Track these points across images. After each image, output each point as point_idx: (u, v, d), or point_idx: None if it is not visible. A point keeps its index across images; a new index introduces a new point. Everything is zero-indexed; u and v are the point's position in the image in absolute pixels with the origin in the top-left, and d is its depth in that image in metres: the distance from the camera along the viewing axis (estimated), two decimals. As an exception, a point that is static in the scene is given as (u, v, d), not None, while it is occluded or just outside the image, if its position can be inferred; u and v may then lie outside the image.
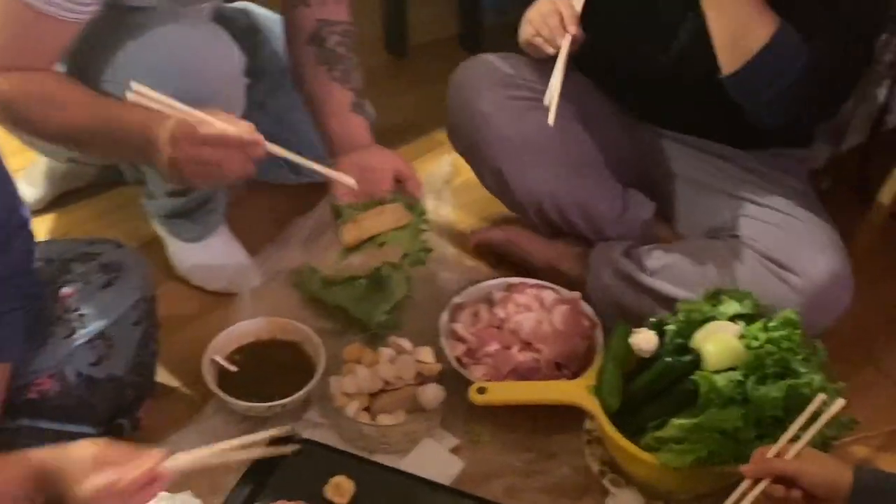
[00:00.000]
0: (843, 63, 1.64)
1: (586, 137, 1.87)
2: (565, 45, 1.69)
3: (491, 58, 1.89)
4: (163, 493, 1.52)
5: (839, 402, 1.39)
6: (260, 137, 1.49)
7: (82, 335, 1.54)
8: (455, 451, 1.62)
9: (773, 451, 1.36)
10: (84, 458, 1.26)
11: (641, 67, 1.79)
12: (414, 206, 1.76)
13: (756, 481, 1.34)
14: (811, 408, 1.40)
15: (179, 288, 1.89)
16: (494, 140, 1.82)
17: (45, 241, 1.68)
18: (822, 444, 1.47)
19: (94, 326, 1.55)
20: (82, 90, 1.57)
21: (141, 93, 1.45)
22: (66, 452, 1.28)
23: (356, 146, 1.81)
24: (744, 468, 1.36)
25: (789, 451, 1.35)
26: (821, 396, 1.41)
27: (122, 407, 1.62)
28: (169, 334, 1.74)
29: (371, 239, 1.74)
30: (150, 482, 1.28)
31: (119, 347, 1.57)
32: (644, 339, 1.59)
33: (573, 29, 1.68)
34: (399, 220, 1.74)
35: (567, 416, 1.62)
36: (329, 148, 1.84)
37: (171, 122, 1.46)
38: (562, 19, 1.69)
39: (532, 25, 1.75)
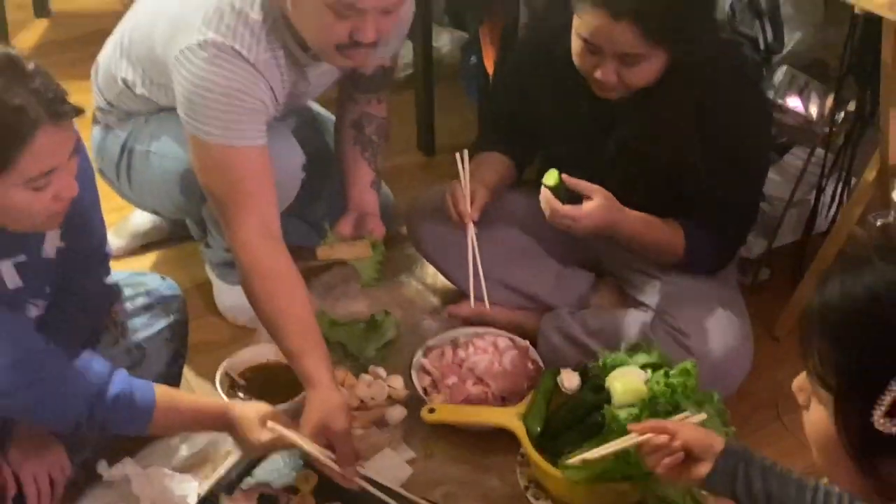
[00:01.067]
0: (753, 207, 1.94)
1: (517, 234, 2.08)
2: (470, 233, 1.91)
3: (435, 189, 2.13)
4: (166, 471, 1.78)
5: (701, 416, 1.54)
6: (353, 477, 1.64)
7: (123, 344, 1.80)
8: (410, 462, 1.82)
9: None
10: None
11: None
12: (376, 246, 1.98)
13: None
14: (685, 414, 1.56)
15: (216, 321, 2.17)
16: (431, 255, 2.12)
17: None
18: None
19: (133, 339, 1.81)
20: (303, 308, 1.75)
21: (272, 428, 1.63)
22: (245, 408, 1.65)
23: (365, 210, 2.07)
24: (631, 425, 1.48)
25: None
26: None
27: None
28: (202, 354, 2.02)
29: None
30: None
31: (152, 359, 1.82)
32: (568, 379, 1.79)
33: (472, 218, 1.91)
34: (361, 254, 1.98)
35: (507, 441, 1.79)
36: (346, 204, 2.08)
37: (309, 428, 1.63)
38: (461, 216, 1.92)
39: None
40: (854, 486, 1.00)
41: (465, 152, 1.97)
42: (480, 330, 2.01)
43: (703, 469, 1.36)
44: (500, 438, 1.82)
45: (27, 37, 3.28)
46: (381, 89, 2.12)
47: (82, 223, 1.71)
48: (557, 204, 1.79)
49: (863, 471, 0.95)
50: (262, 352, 1.97)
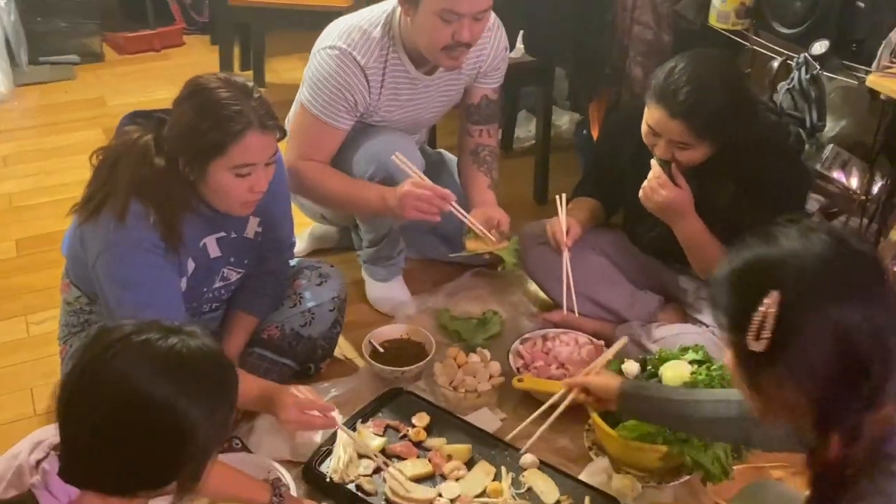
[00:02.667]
0: None
1: (603, 261, 2.35)
2: (565, 258, 2.20)
3: (540, 222, 2.41)
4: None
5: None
6: (450, 194, 2.10)
7: (299, 308, 2.16)
8: (502, 420, 2.10)
9: (586, 370, 1.89)
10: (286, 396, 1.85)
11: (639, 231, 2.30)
12: (510, 238, 2.25)
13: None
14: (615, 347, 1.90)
15: (364, 308, 2.52)
16: (534, 273, 2.41)
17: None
18: (736, 452, 1.85)
19: (307, 305, 2.16)
20: (340, 176, 2.26)
21: (400, 159, 2.13)
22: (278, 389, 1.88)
23: (486, 205, 2.35)
24: (564, 381, 1.86)
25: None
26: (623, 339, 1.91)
27: (313, 357, 2.21)
28: (351, 330, 2.36)
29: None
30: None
31: (318, 321, 2.16)
32: (629, 366, 2.04)
33: (567, 245, 2.21)
34: (500, 245, 2.23)
35: (577, 415, 2.00)
36: (469, 206, 2.35)
37: (400, 188, 2.11)
38: (558, 244, 2.22)
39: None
40: (757, 411, 1.23)
41: (563, 196, 2.27)
42: (564, 330, 2.30)
43: (612, 406, 1.79)
44: (572, 412, 2.02)
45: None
46: (490, 121, 2.47)
47: (277, 217, 2.09)
48: (659, 170, 2.04)
49: (753, 390, 1.19)
50: (397, 329, 2.32)
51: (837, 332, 1.11)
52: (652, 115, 2.02)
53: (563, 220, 2.23)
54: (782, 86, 2.23)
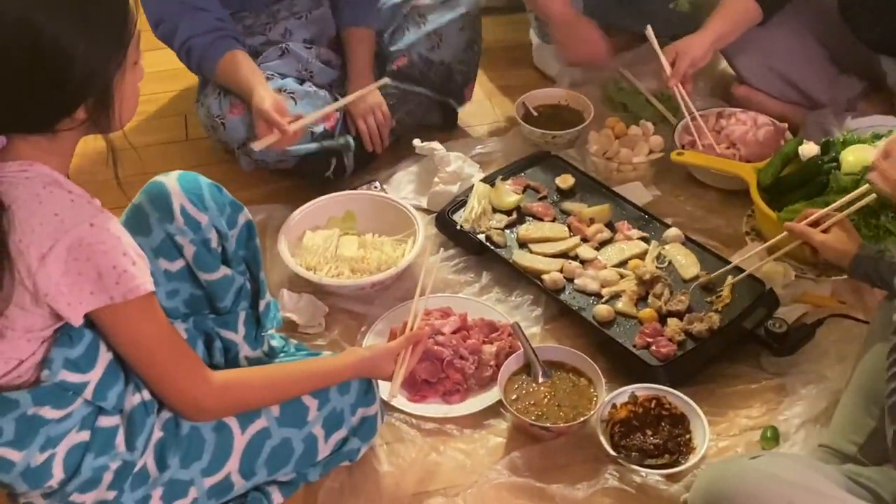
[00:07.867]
0: None
1: (805, 37, 2.00)
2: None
3: None
4: (461, 154, 1.98)
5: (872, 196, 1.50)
6: None
7: (423, 30, 1.97)
8: (654, 196, 1.90)
9: (814, 216, 1.53)
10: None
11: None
12: None
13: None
14: (855, 194, 1.52)
15: (529, 72, 2.34)
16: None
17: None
18: None
19: (431, 26, 1.98)
20: None
21: None
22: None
23: None
24: (787, 225, 1.54)
25: (828, 219, 1.52)
26: (865, 186, 1.51)
27: (451, 86, 2.03)
28: (510, 94, 2.21)
29: None
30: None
31: (447, 42, 1.98)
32: (808, 149, 1.77)
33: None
34: None
35: (740, 201, 1.84)
36: None
37: None
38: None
39: None
40: None
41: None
42: (745, 110, 2.01)
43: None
44: (737, 197, 1.86)
45: None
46: None
47: None
48: None
49: None
50: (555, 94, 2.14)
51: None
52: None
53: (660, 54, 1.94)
54: None
